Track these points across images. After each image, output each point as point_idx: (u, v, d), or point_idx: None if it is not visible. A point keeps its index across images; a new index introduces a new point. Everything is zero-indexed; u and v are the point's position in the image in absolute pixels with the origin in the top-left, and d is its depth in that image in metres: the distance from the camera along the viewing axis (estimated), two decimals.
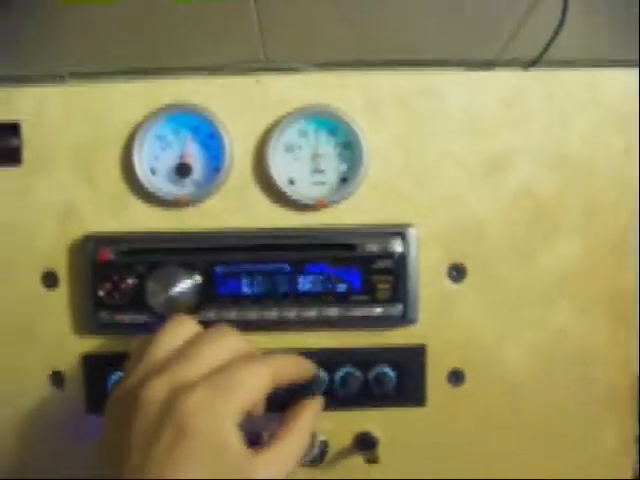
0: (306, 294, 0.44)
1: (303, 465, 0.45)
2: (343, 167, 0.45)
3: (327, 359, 0.45)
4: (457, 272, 0.46)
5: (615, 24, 0.49)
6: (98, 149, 0.45)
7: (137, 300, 0.44)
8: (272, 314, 0.45)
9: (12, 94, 0.45)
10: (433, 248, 0.46)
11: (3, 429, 0.47)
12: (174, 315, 0.37)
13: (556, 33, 0.49)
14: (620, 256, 0.46)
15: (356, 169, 0.45)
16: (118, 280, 0.44)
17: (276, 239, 0.45)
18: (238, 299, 0.45)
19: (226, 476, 0.31)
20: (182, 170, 0.44)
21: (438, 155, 0.45)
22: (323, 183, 0.45)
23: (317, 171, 0.45)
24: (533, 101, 0.46)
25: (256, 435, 0.33)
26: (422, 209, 0.45)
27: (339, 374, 0.46)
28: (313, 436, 0.46)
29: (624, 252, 0.46)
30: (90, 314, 0.45)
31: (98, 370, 0.46)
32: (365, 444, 0.45)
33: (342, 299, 0.44)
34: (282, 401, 0.36)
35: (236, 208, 0.45)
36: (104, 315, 0.45)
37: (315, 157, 0.45)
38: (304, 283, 0.44)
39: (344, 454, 0.47)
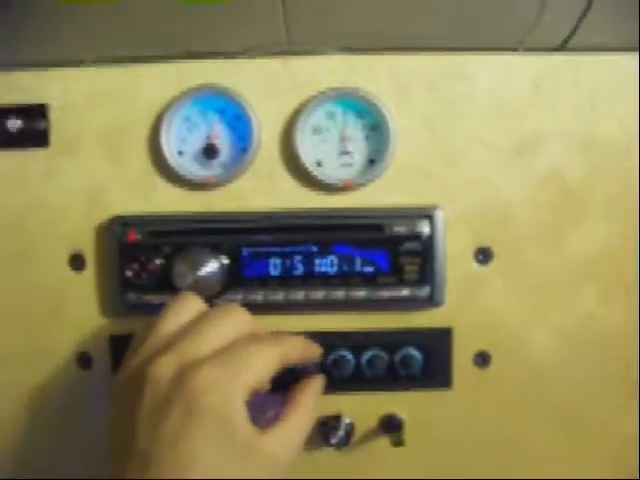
0: (333, 276, 0.44)
1: (329, 447, 0.45)
2: (370, 149, 0.45)
3: (354, 341, 0.46)
4: (484, 255, 0.46)
5: None
6: (125, 131, 0.45)
7: (164, 281, 0.44)
8: (299, 296, 0.45)
9: (40, 77, 0.46)
10: (460, 231, 0.46)
11: (31, 410, 0.47)
12: (181, 293, 0.37)
13: (583, 16, 0.48)
14: None
15: (383, 151, 0.44)
16: (145, 261, 0.44)
17: (303, 220, 0.45)
18: (265, 281, 0.45)
19: (235, 454, 0.31)
20: (209, 152, 0.44)
21: (466, 137, 0.45)
22: (350, 165, 0.45)
23: (344, 153, 0.45)
24: (561, 84, 0.46)
25: (258, 414, 0.33)
26: (449, 191, 0.45)
27: (365, 356, 0.46)
28: (339, 418, 0.46)
29: None
30: (117, 296, 0.45)
31: (125, 352, 0.46)
32: (391, 426, 0.45)
33: (369, 281, 0.44)
34: (280, 380, 0.36)
35: (263, 190, 0.45)
36: (131, 296, 0.45)
37: (343, 139, 0.45)
38: (331, 265, 0.44)
39: (370, 436, 0.47)
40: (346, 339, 0.45)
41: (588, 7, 0.48)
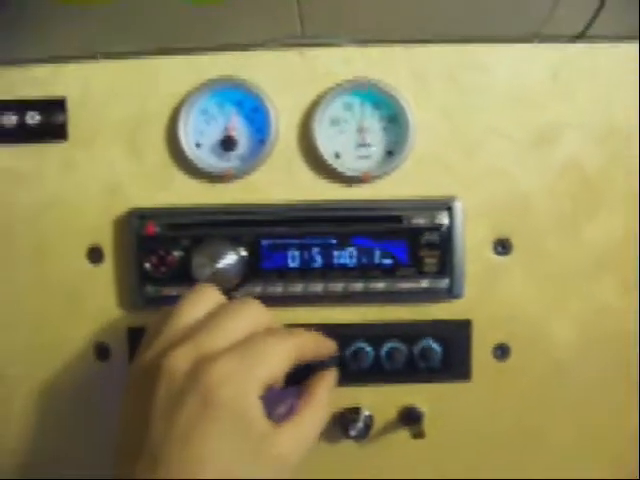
0: (352, 268, 0.44)
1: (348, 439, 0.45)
2: (388, 140, 0.45)
3: (372, 333, 0.45)
4: (503, 246, 0.46)
5: None
6: (143, 124, 0.45)
7: (183, 274, 0.44)
8: (317, 288, 0.44)
9: (58, 70, 0.46)
10: (479, 222, 0.45)
11: (49, 403, 0.47)
12: (197, 285, 0.37)
13: (602, 4, 0.48)
14: None
15: (402, 142, 0.44)
16: (164, 254, 0.44)
17: (322, 212, 0.44)
18: (283, 273, 0.44)
19: (248, 449, 0.31)
20: (227, 144, 0.44)
21: (485, 128, 0.45)
22: (368, 156, 0.45)
23: (362, 145, 0.45)
24: (580, 74, 0.45)
25: (272, 408, 0.33)
26: (468, 182, 0.45)
27: (384, 348, 0.45)
28: (358, 410, 0.46)
29: None
30: (136, 288, 0.45)
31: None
32: (410, 419, 0.45)
33: (388, 273, 0.44)
34: (295, 375, 0.36)
35: (281, 182, 0.45)
36: (150, 289, 0.45)
37: (360, 130, 0.45)
38: (350, 257, 0.44)
39: (389, 429, 0.46)
40: (365, 331, 0.45)
41: None
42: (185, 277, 0.44)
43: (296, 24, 0.49)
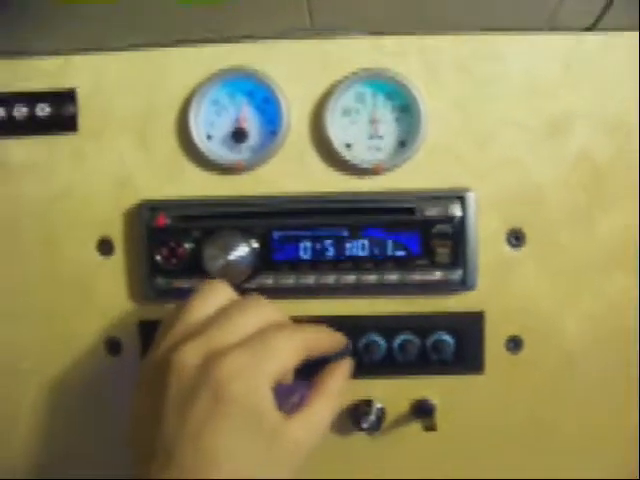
0: (364, 259, 0.44)
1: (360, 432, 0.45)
2: (401, 131, 0.45)
3: (385, 325, 0.45)
4: (516, 238, 0.45)
5: None
6: (154, 115, 0.45)
7: (194, 266, 0.44)
8: (329, 280, 0.44)
9: (68, 62, 0.46)
10: (492, 213, 0.45)
11: (60, 397, 0.47)
12: (208, 280, 0.37)
13: None
14: None
15: (414, 133, 0.44)
16: (175, 245, 0.44)
17: (334, 204, 0.44)
18: (295, 264, 0.44)
19: (261, 441, 0.31)
20: (238, 135, 0.44)
21: (497, 119, 0.45)
22: (381, 147, 0.45)
23: (374, 136, 0.45)
24: (592, 64, 0.45)
25: (283, 400, 0.33)
26: (481, 173, 0.45)
27: (397, 341, 0.45)
28: (370, 403, 0.46)
29: None
30: (147, 280, 0.45)
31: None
32: (422, 411, 0.45)
33: (401, 264, 0.44)
34: (307, 369, 0.35)
35: (293, 173, 0.45)
36: (161, 281, 0.45)
37: (373, 121, 0.45)
38: (362, 248, 0.44)
39: (401, 421, 0.46)
40: (377, 323, 0.45)
41: None
42: (196, 269, 0.44)
43: (305, 15, 0.48)
